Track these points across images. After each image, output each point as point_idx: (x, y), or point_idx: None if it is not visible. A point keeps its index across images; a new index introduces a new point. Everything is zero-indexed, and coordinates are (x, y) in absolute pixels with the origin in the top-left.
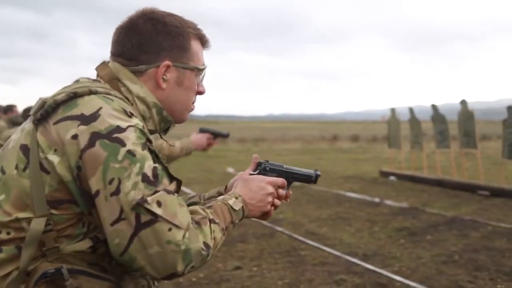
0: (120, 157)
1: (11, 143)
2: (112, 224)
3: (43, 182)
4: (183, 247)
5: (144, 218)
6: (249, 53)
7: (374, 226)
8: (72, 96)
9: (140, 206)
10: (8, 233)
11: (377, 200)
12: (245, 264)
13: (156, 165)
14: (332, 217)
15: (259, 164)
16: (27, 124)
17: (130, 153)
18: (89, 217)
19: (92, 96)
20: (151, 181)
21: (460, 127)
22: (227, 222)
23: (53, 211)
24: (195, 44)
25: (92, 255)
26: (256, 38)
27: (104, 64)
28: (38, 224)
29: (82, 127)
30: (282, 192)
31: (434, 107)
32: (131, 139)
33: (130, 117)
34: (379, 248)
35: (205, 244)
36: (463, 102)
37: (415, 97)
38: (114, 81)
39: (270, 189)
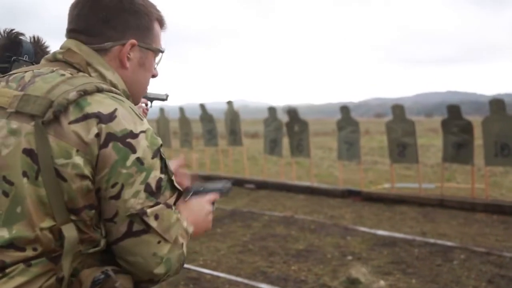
0: (128, 163)
1: (3, 149)
2: (104, 222)
3: (61, 189)
4: (164, 259)
5: (137, 227)
6: None
7: None
8: (82, 94)
9: (137, 216)
10: (35, 249)
11: None
12: None
13: (162, 175)
14: None
15: (188, 189)
16: (18, 124)
17: (139, 160)
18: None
19: (101, 95)
20: (153, 192)
21: (227, 125)
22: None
23: (73, 217)
24: (156, 26)
25: (105, 254)
26: None
27: (71, 51)
28: (70, 231)
29: (101, 125)
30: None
31: (202, 106)
32: (142, 146)
33: (142, 120)
34: None
35: (183, 255)
36: (230, 103)
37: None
38: (87, 68)
39: (209, 207)
